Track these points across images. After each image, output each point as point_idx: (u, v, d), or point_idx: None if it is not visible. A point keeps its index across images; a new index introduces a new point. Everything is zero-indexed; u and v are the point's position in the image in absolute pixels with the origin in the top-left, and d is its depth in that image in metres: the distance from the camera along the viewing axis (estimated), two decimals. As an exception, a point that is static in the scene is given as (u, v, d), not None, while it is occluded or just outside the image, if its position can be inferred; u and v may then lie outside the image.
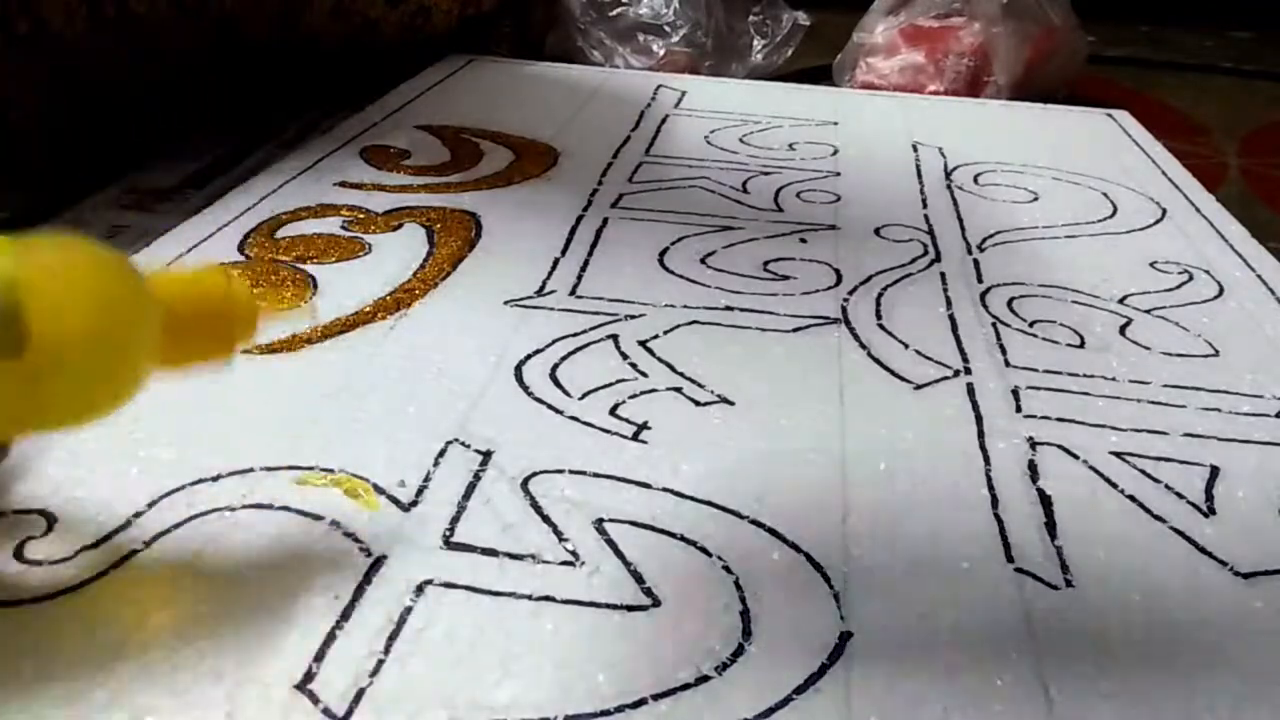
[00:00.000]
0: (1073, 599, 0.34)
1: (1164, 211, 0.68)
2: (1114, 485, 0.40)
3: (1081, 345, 0.50)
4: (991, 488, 0.39)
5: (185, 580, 0.33)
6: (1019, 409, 0.45)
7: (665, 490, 0.38)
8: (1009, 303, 0.54)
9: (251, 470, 0.38)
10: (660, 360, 0.47)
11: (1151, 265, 0.60)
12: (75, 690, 0.29)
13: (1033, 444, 0.42)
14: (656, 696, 0.30)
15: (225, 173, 0.68)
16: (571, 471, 0.39)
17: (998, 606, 0.34)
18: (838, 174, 0.72)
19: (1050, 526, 0.38)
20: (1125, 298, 0.56)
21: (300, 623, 0.31)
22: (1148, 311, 0.54)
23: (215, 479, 0.38)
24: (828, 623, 0.33)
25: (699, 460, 0.40)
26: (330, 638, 0.31)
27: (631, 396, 0.44)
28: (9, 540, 0.34)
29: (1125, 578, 0.35)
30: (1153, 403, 0.46)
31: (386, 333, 0.48)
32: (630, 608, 0.33)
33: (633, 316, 0.51)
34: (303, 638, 0.31)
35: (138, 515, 0.36)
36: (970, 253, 0.60)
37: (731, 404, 0.44)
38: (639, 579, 0.34)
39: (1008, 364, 0.48)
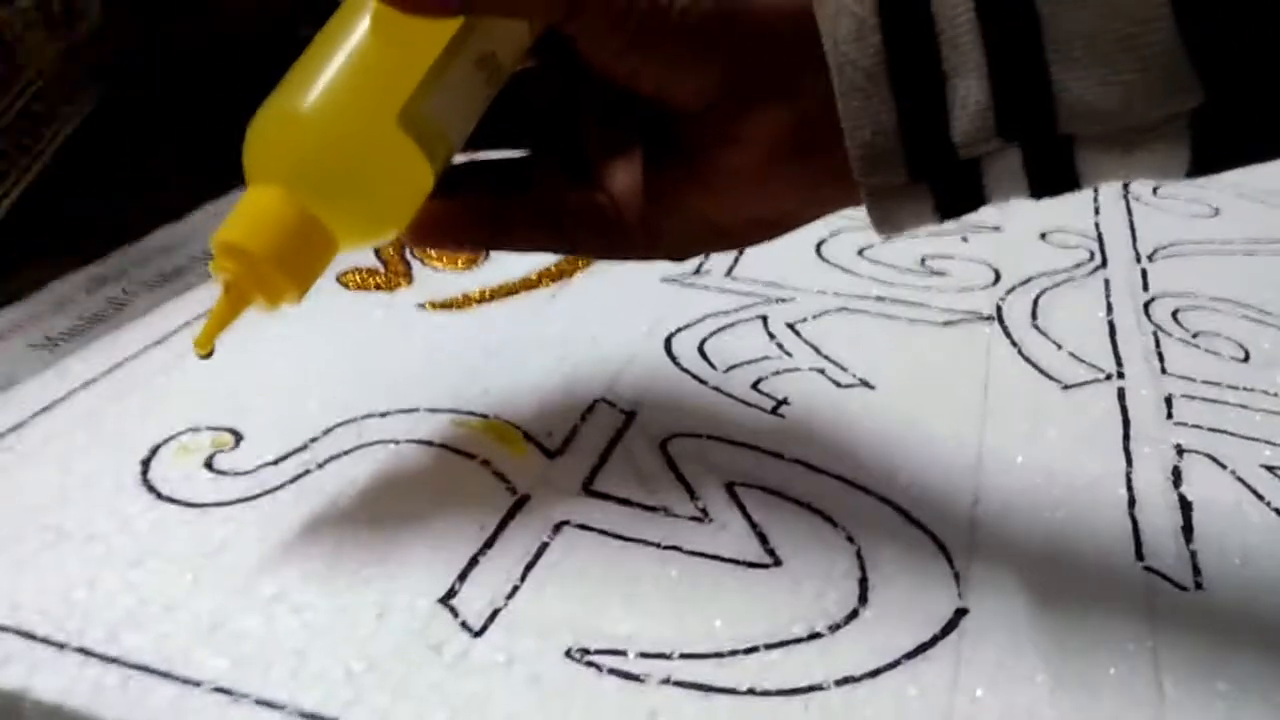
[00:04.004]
0: (1200, 600, 0.34)
1: (1358, 233, 0.65)
2: (1261, 498, 0.39)
3: (1245, 360, 0.49)
4: (1130, 488, 0.39)
5: (349, 499, 0.36)
6: (1170, 416, 0.44)
7: (797, 462, 0.40)
8: (1174, 313, 0.53)
9: (416, 410, 0.41)
10: (806, 342, 0.48)
11: (1336, 286, 0.57)
12: (246, 582, 0.32)
13: (1180, 451, 0.41)
14: (769, 646, 0.31)
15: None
16: (709, 437, 0.41)
17: (1120, 600, 0.34)
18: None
19: (1187, 530, 0.37)
20: (1301, 317, 0.53)
21: (448, 546, 0.34)
22: (1324, 332, 0.52)
23: (383, 415, 0.41)
24: (945, 598, 0.33)
25: (834, 437, 0.41)
26: (473, 562, 0.34)
27: (775, 373, 0.45)
28: (201, 452, 0.38)
29: (1260, 586, 0.35)
30: (1316, 422, 0.44)
31: (549, 299, 0.51)
32: (752, 564, 0.34)
33: (783, 300, 0.52)
34: (449, 559, 0.34)
35: (314, 440, 0.39)
36: (1139, 261, 0.59)
37: (873, 388, 0.45)
38: (763, 539, 0.35)
39: (1164, 371, 0.47)
